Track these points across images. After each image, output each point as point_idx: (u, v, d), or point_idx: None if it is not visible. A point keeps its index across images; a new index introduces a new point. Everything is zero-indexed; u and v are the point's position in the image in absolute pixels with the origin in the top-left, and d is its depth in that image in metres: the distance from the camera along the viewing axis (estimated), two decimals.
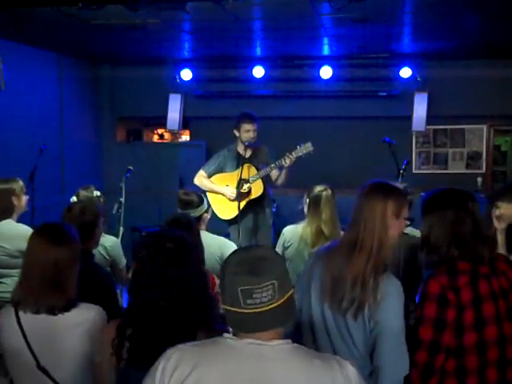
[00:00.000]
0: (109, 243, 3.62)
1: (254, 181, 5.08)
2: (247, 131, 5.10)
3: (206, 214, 3.68)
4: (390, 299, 2.15)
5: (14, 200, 3.73)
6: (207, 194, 5.13)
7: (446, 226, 2.28)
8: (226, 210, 5.15)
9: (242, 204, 4.99)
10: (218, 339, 1.57)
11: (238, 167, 5.10)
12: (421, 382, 2.19)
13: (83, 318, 2.21)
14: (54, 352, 2.19)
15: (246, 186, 5.06)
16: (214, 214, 4.84)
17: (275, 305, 1.47)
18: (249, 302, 1.46)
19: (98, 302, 2.32)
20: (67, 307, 2.20)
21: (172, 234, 2.13)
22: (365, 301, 2.12)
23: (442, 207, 2.33)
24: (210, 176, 5.25)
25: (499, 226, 3.18)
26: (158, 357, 1.90)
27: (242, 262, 1.51)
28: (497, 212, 3.15)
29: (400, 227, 2.26)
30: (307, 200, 3.97)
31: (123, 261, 3.81)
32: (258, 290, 1.46)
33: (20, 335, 2.19)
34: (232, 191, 5.08)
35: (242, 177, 4.97)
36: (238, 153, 5.21)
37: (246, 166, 5.05)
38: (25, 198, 3.84)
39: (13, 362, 2.26)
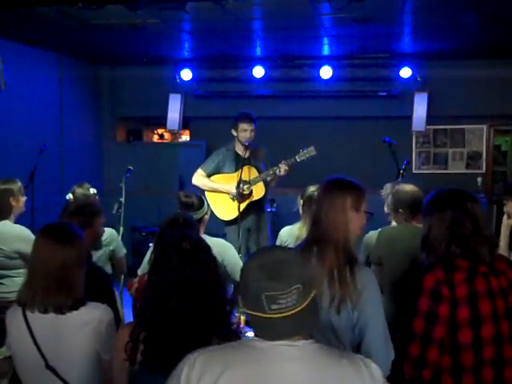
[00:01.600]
0: (104, 236, 3.60)
1: (255, 183, 5.03)
2: (244, 131, 5.05)
3: (206, 217, 3.64)
4: (370, 287, 2.18)
5: (12, 201, 3.73)
6: (206, 194, 5.08)
7: (444, 227, 2.30)
8: (226, 210, 5.09)
9: (243, 205, 4.94)
10: (245, 342, 1.53)
11: (237, 168, 5.02)
12: (413, 374, 2.22)
13: (91, 316, 2.21)
14: (62, 351, 2.19)
15: (246, 187, 4.98)
16: (211, 214, 4.82)
17: (299, 308, 1.44)
18: (273, 307, 1.43)
19: (95, 302, 2.30)
20: (76, 306, 2.20)
21: (188, 235, 2.10)
22: (346, 294, 2.13)
23: (440, 208, 2.35)
24: (209, 176, 5.17)
25: (506, 222, 3.21)
26: (171, 359, 1.81)
27: (264, 267, 1.46)
28: (505, 209, 3.19)
29: (361, 220, 2.28)
30: (301, 201, 3.95)
31: (123, 250, 3.83)
32: (283, 296, 1.43)
33: (28, 335, 2.18)
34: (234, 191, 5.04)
35: (243, 178, 4.87)
36: (237, 153, 5.16)
37: (246, 167, 4.97)
38: (23, 199, 3.83)
39: (21, 362, 2.26)
